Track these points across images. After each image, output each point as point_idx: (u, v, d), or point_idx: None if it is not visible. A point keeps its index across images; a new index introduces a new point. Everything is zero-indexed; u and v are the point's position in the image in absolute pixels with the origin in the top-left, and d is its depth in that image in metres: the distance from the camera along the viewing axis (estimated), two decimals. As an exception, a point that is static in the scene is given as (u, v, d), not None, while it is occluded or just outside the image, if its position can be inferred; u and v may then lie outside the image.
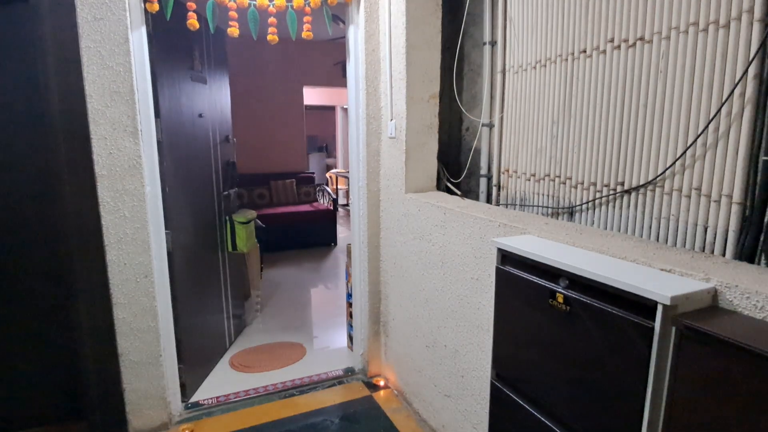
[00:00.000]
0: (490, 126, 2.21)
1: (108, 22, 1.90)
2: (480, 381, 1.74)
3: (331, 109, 10.81)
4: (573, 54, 1.72)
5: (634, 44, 1.48)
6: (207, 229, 2.77)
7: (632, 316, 0.97)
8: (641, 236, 1.48)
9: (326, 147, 12.62)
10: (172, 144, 2.33)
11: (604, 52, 1.58)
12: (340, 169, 9.85)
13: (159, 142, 2.17)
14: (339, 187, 9.01)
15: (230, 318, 3.10)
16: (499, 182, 2.18)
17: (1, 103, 1.79)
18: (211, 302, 2.82)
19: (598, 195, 1.64)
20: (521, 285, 1.27)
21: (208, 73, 2.76)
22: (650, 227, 1.47)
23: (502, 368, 1.39)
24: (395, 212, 2.35)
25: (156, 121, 2.15)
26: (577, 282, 1.10)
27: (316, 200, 6.50)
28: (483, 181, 2.28)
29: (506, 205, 2.10)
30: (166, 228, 2.23)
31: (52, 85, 1.83)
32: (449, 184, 2.37)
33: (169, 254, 2.26)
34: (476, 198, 2.31)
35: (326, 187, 6.69)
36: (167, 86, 2.29)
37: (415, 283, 2.21)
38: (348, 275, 2.93)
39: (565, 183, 1.77)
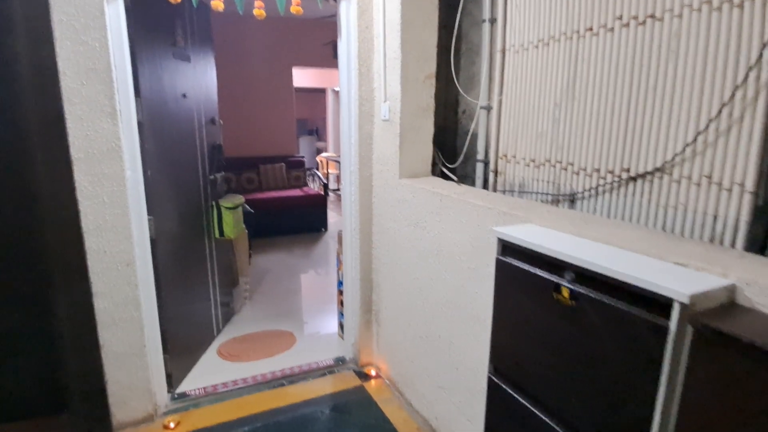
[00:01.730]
0: (488, 108, 2.13)
1: (81, -7, 1.77)
2: (475, 374, 1.69)
3: (321, 91, 10.61)
4: (578, 32, 1.63)
5: (644, 22, 1.39)
6: (193, 214, 2.67)
7: (645, 314, 0.91)
8: (647, 225, 1.42)
9: (317, 130, 12.44)
10: (155, 125, 2.22)
11: (612, 29, 1.49)
12: (330, 153, 9.71)
13: (140, 124, 2.06)
14: (329, 171, 8.88)
15: (218, 306, 3.02)
16: (496, 168, 2.10)
17: (-35, 79, 1.66)
18: (198, 290, 2.74)
19: (601, 182, 1.57)
20: (523, 277, 1.20)
21: (191, 51, 2.63)
22: (656, 216, 1.40)
23: (501, 363, 1.33)
24: (388, 198, 2.27)
25: (136, 101, 2.03)
26: (585, 276, 1.03)
27: (306, 185, 6.38)
28: (480, 167, 2.20)
29: (504, 192, 2.02)
30: (149, 214, 2.12)
31: (23, 62, 1.70)
32: (445, 170, 2.29)
33: (153, 241, 2.16)
34: (473, 184, 2.23)
35: (317, 172, 6.57)
36: (148, 64, 2.16)
37: (408, 272, 2.15)
38: (339, 262, 2.85)
39: (566, 169, 1.70)
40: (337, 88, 9.71)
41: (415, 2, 2.03)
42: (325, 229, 5.91)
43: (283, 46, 6.07)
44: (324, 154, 9.24)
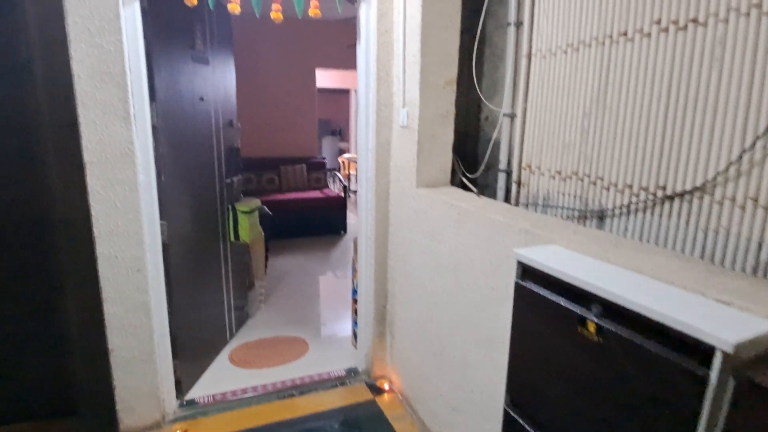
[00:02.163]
0: (512, 116, 2.02)
1: (97, -4, 1.74)
2: (492, 400, 1.59)
3: (345, 92, 10.59)
4: (611, 37, 1.51)
5: (686, 27, 1.27)
6: (208, 218, 2.64)
7: (682, 360, 0.80)
8: (683, 250, 1.30)
9: (340, 131, 12.43)
10: (170, 129, 2.19)
11: (649, 35, 1.38)
12: (353, 154, 9.67)
13: (154, 128, 2.03)
14: (351, 172, 8.84)
15: (232, 310, 2.99)
16: (519, 179, 1.99)
17: (-20, 82, 1.65)
18: (211, 294, 2.71)
19: (634, 199, 1.45)
20: (544, 306, 1.10)
21: (210, 54, 2.60)
22: (695, 240, 1.28)
23: (518, 395, 1.23)
24: (405, 207, 2.18)
25: (151, 105, 2.00)
26: (614, 310, 0.93)
27: (327, 186, 6.35)
28: (502, 177, 2.09)
29: (527, 205, 1.92)
30: (161, 218, 2.10)
31: (36, 64, 1.69)
32: (465, 179, 2.19)
33: (165, 246, 2.13)
34: (493, 195, 2.13)
35: (337, 173, 6.54)
36: (164, 67, 2.14)
37: (423, 285, 2.06)
38: (354, 270, 2.78)
39: (595, 183, 1.59)
40: (360, 89, 9.67)
41: (436, 5, 1.94)
42: (345, 231, 5.86)
43: (306, 48, 6.05)
44: (346, 155, 9.21)
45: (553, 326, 1.07)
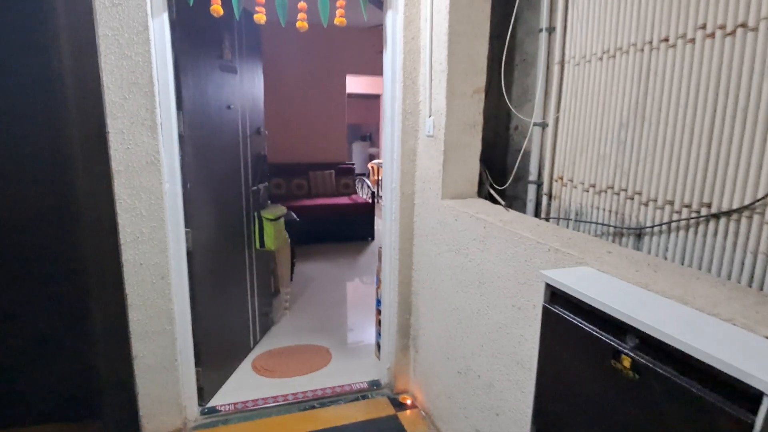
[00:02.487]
0: (543, 125, 1.94)
1: (126, 8, 1.77)
2: (518, 425, 1.51)
3: (376, 97, 10.60)
4: (651, 43, 1.42)
5: (734, 32, 1.17)
6: (233, 226, 2.66)
7: (726, 405, 0.72)
8: (730, 275, 1.19)
9: (370, 136, 12.45)
10: (196, 138, 2.21)
11: (693, 41, 1.28)
12: (382, 160, 9.66)
13: (181, 136, 2.05)
14: (380, 178, 8.82)
15: (256, 317, 2.99)
16: (550, 191, 1.90)
17: (14, 95, 1.70)
18: (235, 302, 2.72)
19: (675, 217, 1.35)
20: (575, 334, 1.02)
21: (239, 63, 2.62)
22: (743, 264, 1.17)
23: (545, 425, 1.15)
24: (430, 219, 2.12)
25: (178, 114, 2.02)
26: (652, 343, 0.84)
27: (355, 192, 6.34)
28: (532, 189, 2.01)
29: (557, 219, 1.82)
30: (186, 226, 2.11)
31: (67, 76, 1.73)
32: (492, 191, 2.11)
33: (189, 253, 2.15)
34: (522, 207, 2.05)
35: (366, 180, 6.52)
36: (192, 77, 2.16)
37: (448, 300, 1.99)
38: (378, 280, 2.74)
39: (632, 198, 1.49)
40: (390, 95, 9.66)
41: (464, 11, 1.88)
42: (372, 238, 5.83)
43: (337, 55, 6.08)
44: (375, 161, 9.21)
45: (584, 357, 0.99)
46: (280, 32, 5.70)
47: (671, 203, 1.37)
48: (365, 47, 6.14)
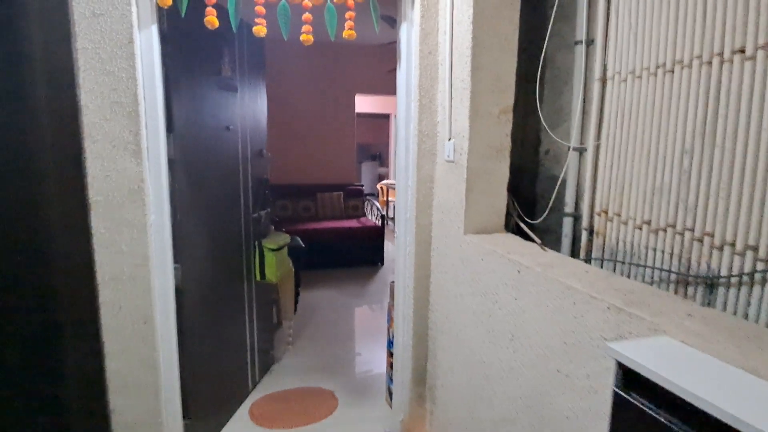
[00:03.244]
0: (581, 150, 1.69)
1: (109, 19, 1.57)
2: None
3: (385, 117, 10.46)
4: (721, 55, 1.17)
5: None
6: (230, 257, 2.42)
7: None
8: None
9: (379, 155, 12.28)
10: (189, 162, 1.99)
11: (786, 50, 1.03)
12: (391, 180, 9.45)
13: (171, 161, 1.83)
14: (390, 199, 8.60)
15: (255, 355, 2.73)
16: (591, 225, 1.64)
17: (-23, 114, 1.49)
18: (232, 340, 2.46)
19: (760, 266, 1.08)
20: (664, 439, 0.75)
21: (239, 80, 2.42)
22: None
23: None
24: (450, 255, 1.87)
25: (167, 137, 1.80)
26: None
27: (364, 215, 6.11)
28: (567, 222, 1.75)
29: (602, 261, 1.56)
30: (175, 261, 1.88)
31: (40, 95, 1.52)
32: (522, 224, 1.85)
33: (178, 291, 1.90)
34: (556, 243, 1.78)
35: (375, 202, 6.29)
36: (185, 95, 1.95)
37: (473, 351, 1.72)
38: (390, 318, 2.47)
39: (701, 240, 1.23)
40: (400, 115, 9.50)
41: (490, 22, 1.66)
42: (382, 263, 5.57)
43: (346, 73, 5.92)
44: (385, 182, 9.00)
45: (681, 474, 0.72)
46: (286, 49, 5.56)
47: (755, 249, 1.10)
48: (375, 66, 5.99)
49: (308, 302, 4.23)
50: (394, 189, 8.22)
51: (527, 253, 1.49)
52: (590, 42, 1.66)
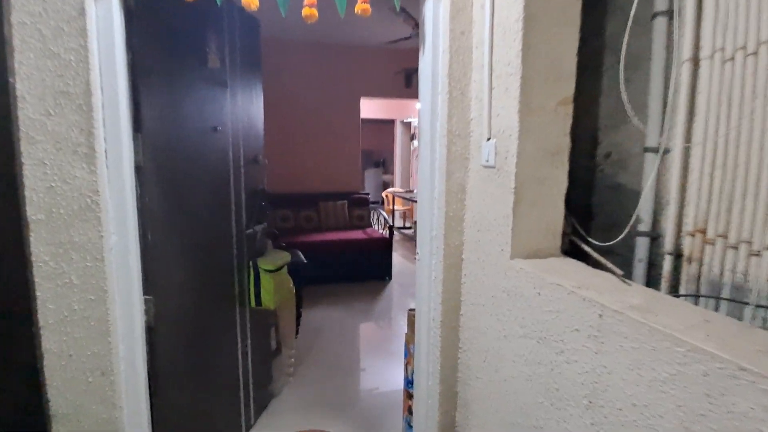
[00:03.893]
0: (662, 152, 1.31)
1: (54, -16, 1.21)
2: None
3: (389, 122, 10.13)
4: None
5: None
6: (219, 282, 2.04)
7: None
8: None
9: (383, 162, 11.93)
10: (165, 170, 1.62)
11: None
12: (397, 188, 9.09)
13: (138, 168, 1.46)
14: (396, 207, 8.23)
15: (250, 393, 2.34)
16: (678, 248, 1.26)
17: None
18: (221, 380, 2.08)
19: None
20: None
21: (230, 74, 2.05)
22: None
23: None
24: (490, 284, 1.49)
25: (134, 138, 1.44)
26: None
27: (370, 225, 5.73)
28: (642, 243, 1.37)
29: (697, 295, 1.18)
30: (146, 293, 1.50)
31: (-42, 80, 1.16)
32: (588, 248, 1.46)
33: (150, 330, 1.53)
34: (628, 269, 1.40)
35: (382, 211, 5.92)
36: (160, 88, 1.59)
37: (522, 411, 1.33)
38: (408, 353, 2.09)
39: None
40: (407, 120, 9.16)
41: (545, -14, 1.30)
42: (390, 277, 5.18)
43: (350, 75, 5.57)
44: (391, 189, 8.63)
45: None
46: (287, 48, 5.23)
47: None
48: (382, 67, 5.64)
49: (311, 322, 3.85)
50: (401, 197, 7.85)
51: (606, 288, 1.11)
52: (670, 13, 1.30)
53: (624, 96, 1.41)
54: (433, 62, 1.61)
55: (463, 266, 1.65)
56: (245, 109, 2.22)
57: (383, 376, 3.02)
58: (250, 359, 2.33)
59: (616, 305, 1.00)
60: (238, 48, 2.12)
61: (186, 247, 1.77)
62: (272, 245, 3.12)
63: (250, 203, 2.26)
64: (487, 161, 1.47)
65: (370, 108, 8.67)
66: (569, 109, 1.36)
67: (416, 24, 3.41)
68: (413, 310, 2.00)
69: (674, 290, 1.28)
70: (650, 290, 1.14)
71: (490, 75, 1.44)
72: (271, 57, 5.19)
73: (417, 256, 1.78)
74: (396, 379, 2.86)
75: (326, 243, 4.92)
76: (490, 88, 1.44)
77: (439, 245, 1.65)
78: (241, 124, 2.18)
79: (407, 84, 5.73)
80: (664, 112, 1.31)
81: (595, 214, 1.59)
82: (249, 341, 2.31)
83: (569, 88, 1.35)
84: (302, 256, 3.60)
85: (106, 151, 1.33)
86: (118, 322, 1.40)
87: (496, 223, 1.43)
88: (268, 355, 2.68)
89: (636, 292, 1.10)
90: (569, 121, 1.37)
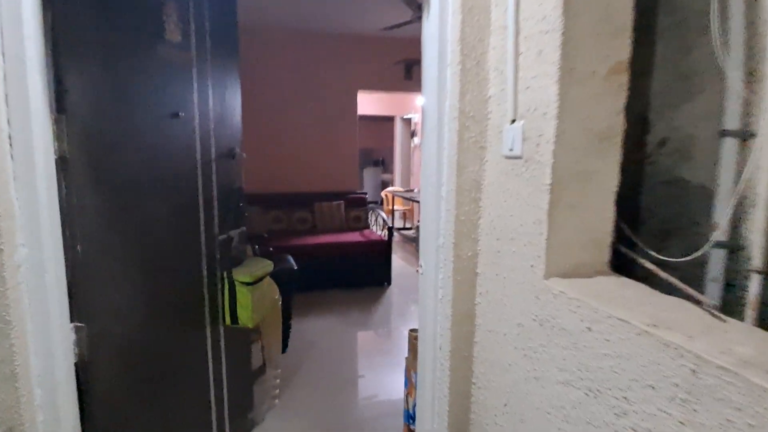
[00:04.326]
0: (744, 136, 0.99)
1: None
2: None
3: (388, 119, 9.79)
4: None
5: None
6: (183, 298, 1.72)
7: None
8: None
9: (382, 161, 11.60)
10: (103, 162, 1.29)
11: None
12: (397, 188, 8.76)
13: (63, 161, 1.14)
14: (396, 207, 7.90)
15: (224, 423, 2.01)
16: (773, 266, 0.94)
17: None
18: (185, 413, 1.75)
19: None
20: None
21: (197, 50, 1.72)
22: None
23: None
24: (516, 309, 1.16)
25: (57, 121, 1.11)
26: None
27: (368, 227, 5.40)
28: (717, 257, 1.04)
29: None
30: (76, 319, 1.18)
31: None
32: (648, 263, 1.12)
33: (83, 368, 1.20)
34: (698, 287, 1.07)
35: (380, 212, 5.59)
36: (95, 59, 1.26)
37: (562, 479, 1.00)
38: (408, 382, 1.77)
39: None
40: (407, 116, 8.83)
41: None
42: (389, 283, 4.85)
43: (346, 67, 5.24)
44: (390, 189, 8.30)
45: None
46: (279, 38, 4.91)
47: None
48: (380, 58, 5.31)
49: (302, 334, 3.51)
50: (401, 197, 7.52)
51: (695, 327, 0.77)
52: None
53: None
54: (440, 26, 1.28)
55: (478, 283, 1.32)
56: (218, 93, 1.89)
57: (383, 397, 2.69)
58: (225, 385, 2.00)
59: (719, 358, 0.67)
60: (208, 20, 1.79)
61: (135, 259, 1.44)
62: (258, 251, 2.80)
63: (224, 204, 1.93)
64: (511, 150, 1.14)
65: (369, 105, 8.34)
66: (624, 78, 1.03)
67: (419, 5, 3.09)
68: (415, 331, 1.68)
69: (763, 321, 0.95)
70: (759, 331, 0.80)
71: (516, 37, 1.10)
72: (261, 47, 4.87)
73: (420, 269, 1.45)
74: (398, 403, 2.53)
75: (321, 246, 4.59)
76: (516, 54, 1.11)
77: (448, 256, 1.32)
78: (212, 110, 1.85)
79: (408, 75, 5.40)
80: (750, 83, 0.99)
81: (645, 217, 1.26)
82: (223, 364, 1.99)
83: (624, 49, 1.02)
84: (292, 262, 3.28)
85: (10, 137, 1.01)
86: (31, 360, 1.07)
87: (524, 231, 1.10)
88: (249, 378, 2.35)
89: (739, 332, 0.77)
90: (623, 95, 1.04)
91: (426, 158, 1.39)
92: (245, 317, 1.96)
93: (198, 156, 1.75)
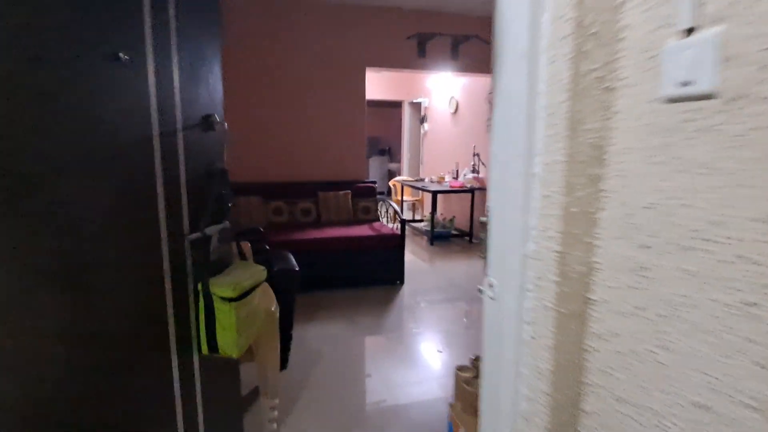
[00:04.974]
0: None
1: None
2: None
3: (396, 105, 9.22)
4: None
5: None
6: (134, 322, 1.20)
7: None
8: None
9: (389, 150, 11.05)
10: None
11: None
12: (405, 177, 8.23)
13: None
14: (404, 198, 7.38)
15: (205, 485, 1.52)
16: None
17: None
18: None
19: None
20: None
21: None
22: None
23: None
24: (696, 381, 0.64)
25: None
26: None
27: (378, 219, 4.89)
28: None
29: None
30: None
31: None
32: None
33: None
34: None
35: (391, 202, 5.06)
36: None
37: None
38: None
39: None
40: (416, 100, 8.24)
41: None
42: (402, 281, 4.35)
43: (353, 42, 4.69)
44: (399, 178, 7.77)
45: None
46: (279, 9, 4.36)
47: None
48: (392, 32, 4.75)
49: (305, 342, 3.02)
50: (410, 186, 6.98)
51: None
52: None
53: None
54: None
55: (591, 316, 0.80)
56: (187, 34, 1.36)
57: (407, 426, 2.19)
58: (201, 423, 1.50)
59: None
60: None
61: (48, 274, 0.93)
62: (250, 249, 2.28)
63: (196, 191, 1.42)
64: (688, 84, 0.61)
65: (375, 88, 7.79)
66: None
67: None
68: (463, 369, 1.16)
69: None
70: None
71: None
72: (260, 18, 4.32)
73: (489, 290, 0.92)
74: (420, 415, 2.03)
75: (326, 241, 4.08)
76: None
77: (544, 273, 0.80)
78: (179, 57, 1.32)
79: (421, 52, 4.84)
80: None
81: None
82: (199, 399, 1.49)
83: None
84: (293, 262, 2.77)
85: None
86: None
87: (719, 235, 0.58)
88: (236, 409, 1.86)
89: None
90: None
91: (502, 113, 0.86)
92: (228, 343, 1.45)
93: (155, 123, 1.23)
